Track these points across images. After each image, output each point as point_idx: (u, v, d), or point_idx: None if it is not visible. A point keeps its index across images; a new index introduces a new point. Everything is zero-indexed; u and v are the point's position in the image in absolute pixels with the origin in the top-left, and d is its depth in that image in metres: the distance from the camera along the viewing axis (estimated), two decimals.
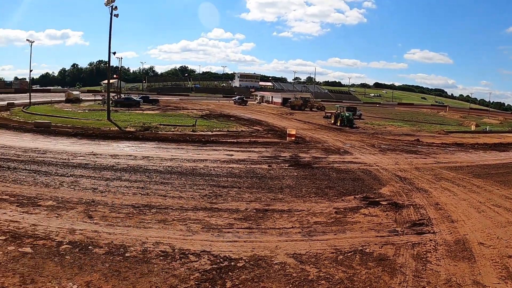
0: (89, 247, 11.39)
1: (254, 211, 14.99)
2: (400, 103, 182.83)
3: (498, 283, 10.53)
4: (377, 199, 18.24)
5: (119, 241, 11.82)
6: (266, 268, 10.26)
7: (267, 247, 11.58)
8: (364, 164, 27.38)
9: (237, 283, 9.39)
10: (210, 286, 9.20)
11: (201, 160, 25.53)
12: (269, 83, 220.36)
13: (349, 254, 11.77)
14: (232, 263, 10.40)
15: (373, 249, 12.27)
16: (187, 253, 10.98)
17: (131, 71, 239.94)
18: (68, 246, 11.54)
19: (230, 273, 9.86)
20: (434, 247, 12.77)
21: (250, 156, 27.61)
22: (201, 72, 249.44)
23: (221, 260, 10.58)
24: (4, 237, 12.24)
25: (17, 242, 11.89)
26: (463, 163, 30.88)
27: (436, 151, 37.02)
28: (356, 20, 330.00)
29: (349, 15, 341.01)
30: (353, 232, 13.70)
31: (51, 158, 25.33)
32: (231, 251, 11.16)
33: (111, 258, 10.69)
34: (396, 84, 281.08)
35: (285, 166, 24.65)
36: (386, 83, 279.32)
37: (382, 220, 15.35)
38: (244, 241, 11.93)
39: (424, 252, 12.31)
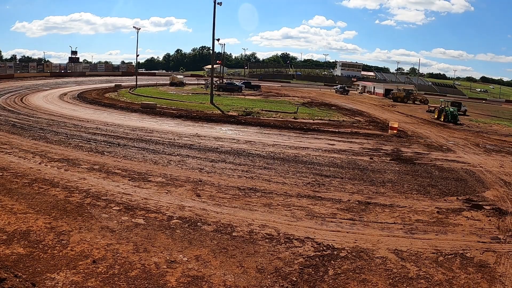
0: (198, 224, 12.10)
1: (357, 203, 15.14)
2: (508, 101, 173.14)
3: None
4: (480, 203, 17.67)
5: (226, 220, 12.45)
6: (368, 261, 10.45)
7: (369, 240, 11.74)
8: (467, 164, 26.50)
9: (339, 272, 9.66)
10: (313, 272, 9.54)
11: (303, 147, 25.88)
12: (371, 73, 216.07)
13: (449, 256, 11.64)
14: (335, 252, 10.68)
15: (474, 255, 12.01)
16: (291, 238, 11.38)
17: (233, 57, 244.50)
18: (178, 221, 12.31)
19: (332, 262, 10.15)
20: None
21: (351, 147, 27.61)
22: (302, 60, 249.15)
23: (324, 248, 10.89)
24: (118, 208, 13.24)
25: (130, 213, 12.87)
26: None
27: None
28: (462, 8, 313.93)
29: (455, 2, 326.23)
30: (455, 235, 13.45)
31: (158, 137, 26.75)
32: (334, 240, 11.43)
33: (219, 236, 11.31)
34: (505, 79, 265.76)
35: (387, 159, 24.43)
36: (493, 77, 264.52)
37: (484, 225, 14.88)
38: (347, 232, 12.16)
39: None
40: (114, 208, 13.28)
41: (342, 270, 9.77)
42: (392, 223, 13.44)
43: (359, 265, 10.14)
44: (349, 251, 10.84)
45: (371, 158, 24.10)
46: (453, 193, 18.59)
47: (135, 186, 15.89)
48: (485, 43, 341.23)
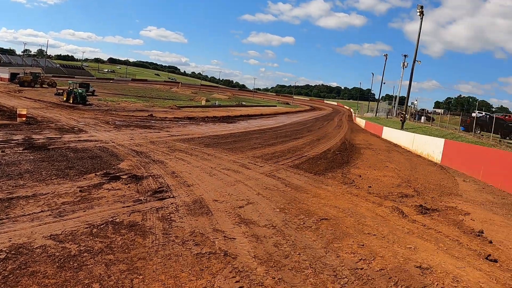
0: None
1: None
2: (134, 79, 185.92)
3: (234, 227, 13.20)
4: (118, 174, 19.52)
5: None
6: (29, 254, 10.76)
7: (23, 234, 11.94)
8: (100, 141, 28.24)
9: (6, 274, 9.69)
10: None
11: None
12: None
13: (101, 226, 12.92)
14: None
15: (122, 219, 13.66)
16: None
17: None
18: None
19: None
20: (176, 209, 14.86)
21: None
22: None
23: None
24: None
25: None
26: (194, 134, 34.10)
27: (169, 125, 39.87)
28: None
29: None
30: (101, 207, 14.81)
31: None
32: None
33: None
34: (131, 60, 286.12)
35: (20, 150, 24.09)
36: (120, 58, 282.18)
37: (125, 192, 16.78)
38: None
39: (168, 214, 14.28)
40: None
41: (8, 271, 9.82)
42: (40, 212, 13.87)
43: (22, 261, 10.37)
44: (7, 251, 10.85)
45: (2, 151, 23.42)
46: (91, 171, 19.91)
47: None
48: (114, 26, 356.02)
